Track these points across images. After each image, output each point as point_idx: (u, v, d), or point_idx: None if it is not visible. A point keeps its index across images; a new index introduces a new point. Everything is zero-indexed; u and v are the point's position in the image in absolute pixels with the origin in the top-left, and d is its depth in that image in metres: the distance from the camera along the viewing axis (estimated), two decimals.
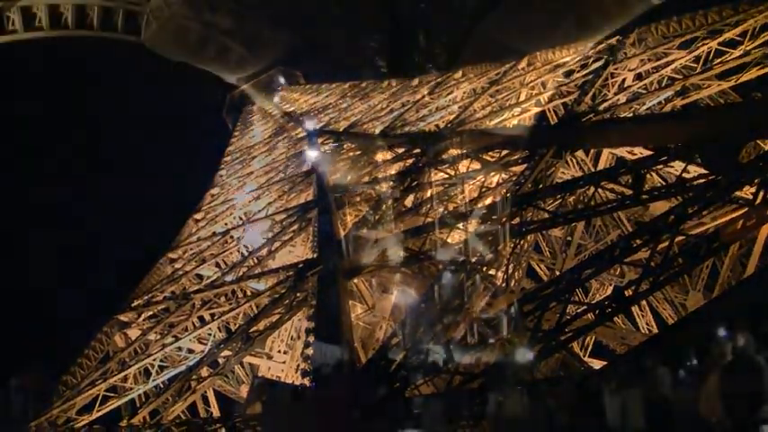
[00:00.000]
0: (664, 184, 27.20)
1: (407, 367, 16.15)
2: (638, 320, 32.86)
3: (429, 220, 24.00)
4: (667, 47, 30.00)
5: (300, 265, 25.84)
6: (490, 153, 26.17)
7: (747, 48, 26.34)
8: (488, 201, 24.23)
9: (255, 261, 31.17)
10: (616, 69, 30.03)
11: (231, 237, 37.23)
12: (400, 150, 31.19)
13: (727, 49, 27.34)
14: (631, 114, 25.40)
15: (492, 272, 19.80)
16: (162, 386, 26.40)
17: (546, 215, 21.50)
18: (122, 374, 26.46)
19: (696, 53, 27.99)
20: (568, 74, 32.96)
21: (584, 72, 31.66)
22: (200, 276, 34.97)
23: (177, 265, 37.11)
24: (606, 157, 33.10)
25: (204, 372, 24.78)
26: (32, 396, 16.51)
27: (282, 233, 31.20)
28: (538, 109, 33.02)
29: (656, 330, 31.14)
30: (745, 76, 26.04)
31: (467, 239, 20.89)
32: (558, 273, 31.67)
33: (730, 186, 16.28)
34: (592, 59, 32.11)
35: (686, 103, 27.69)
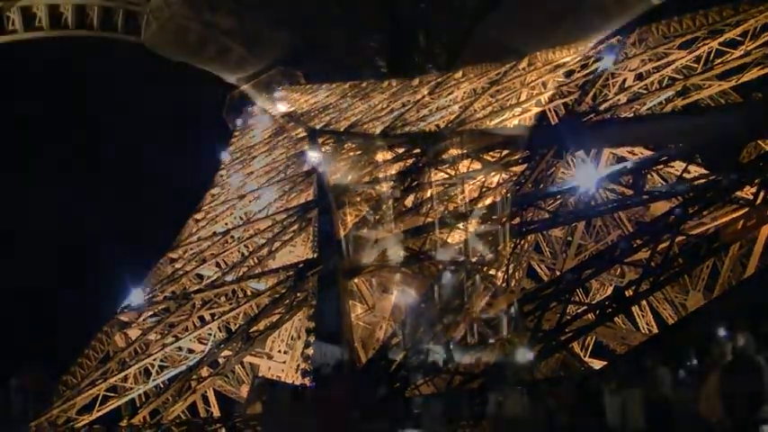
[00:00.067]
0: (664, 184, 27.23)
1: (407, 367, 16.15)
2: (638, 320, 32.86)
3: (429, 220, 23.98)
4: (668, 47, 30.00)
5: (300, 265, 25.84)
6: (490, 153, 26.16)
7: (748, 48, 26.33)
8: (488, 201, 24.21)
9: (256, 261, 31.17)
10: (617, 69, 30.03)
11: (231, 237, 37.23)
12: (400, 150, 31.17)
13: (728, 50, 27.33)
14: (632, 114, 25.39)
15: (492, 272, 19.80)
16: (162, 386, 26.41)
17: (546, 215, 21.50)
18: (122, 374, 26.47)
19: (697, 53, 27.98)
20: (569, 74, 32.97)
21: (585, 72, 31.67)
22: (200, 276, 34.97)
23: (177, 265, 37.11)
24: (607, 158, 33.07)
25: (204, 372, 24.79)
26: (32, 396, 16.52)
27: (283, 233, 31.19)
28: (538, 109, 33.02)
29: (656, 330, 31.13)
30: (746, 77, 26.04)
31: (467, 239, 20.89)
32: (558, 273, 31.64)
33: (730, 186, 16.27)
34: (592, 59, 32.12)
35: (687, 103, 27.69)
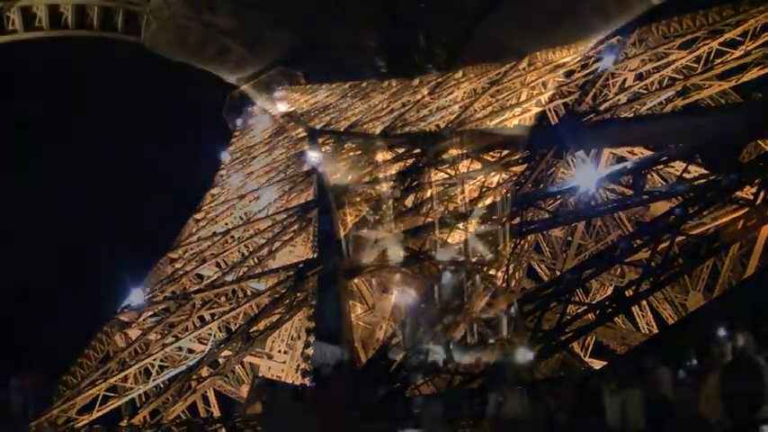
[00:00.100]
0: (664, 184, 27.23)
1: (407, 367, 16.15)
2: (638, 320, 32.84)
3: (429, 220, 23.98)
4: (668, 47, 30.00)
5: (301, 265, 25.85)
6: (491, 153, 26.15)
7: (748, 48, 26.33)
8: (488, 201, 24.20)
9: (256, 261, 31.17)
10: (617, 69, 30.04)
11: (231, 237, 37.22)
12: (400, 150, 31.16)
13: (728, 50, 27.33)
14: (632, 114, 25.39)
15: (492, 272, 19.80)
16: (162, 386, 26.41)
17: (546, 215, 21.50)
18: (122, 374, 26.47)
19: (697, 53, 27.98)
20: (569, 74, 32.96)
21: (585, 72, 31.66)
22: (200, 276, 34.96)
23: (177, 265, 37.10)
24: (607, 158, 33.08)
25: (204, 372, 24.79)
26: (32, 396, 16.51)
27: (283, 233, 31.18)
28: (538, 109, 33.01)
29: (656, 330, 31.12)
30: (746, 77, 26.04)
31: (467, 239, 20.89)
32: (558, 273, 31.64)
33: (731, 187, 16.27)
34: (592, 59, 32.11)
35: (687, 103, 27.69)
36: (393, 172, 29.28)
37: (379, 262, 22.59)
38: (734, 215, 16.99)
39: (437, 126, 34.88)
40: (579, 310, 17.41)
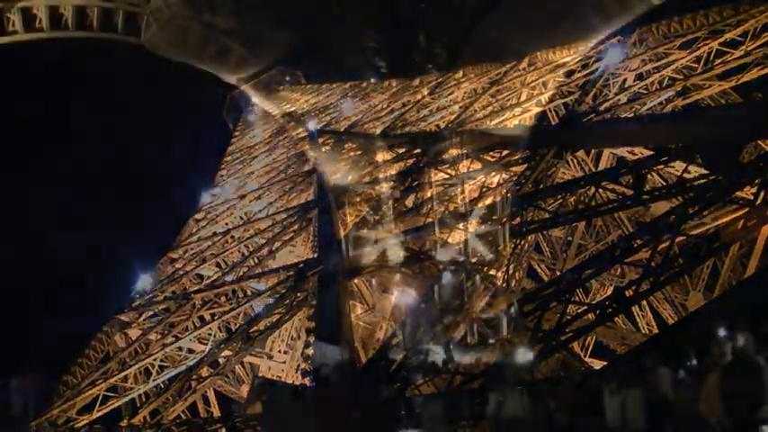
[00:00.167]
0: (664, 184, 27.22)
1: (407, 367, 16.15)
2: (638, 320, 32.81)
3: (429, 220, 23.98)
4: (668, 47, 30.00)
5: (301, 265, 25.85)
6: (491, 153, 26.15)
7: (748, 48, 26.32)
8: (489, 201, 24.20)
9: (256, 261, 31.17)
10: (617, 69, 30.03)
11: (232, 237, 37.22)
12: (401, 150, 31.17)
13: (728, 50, 27.32)
14: (632, 115, 25.38)
15: (492, 272, 19.80)
16: (162, 386, 26.41)
17: (546, 215, 21.50)
18: (123, 374, 26.46)
19: (697, 53, 27.97)
20: (569, 74, 32.95)
21: (585, 72, 31.66)
22: (200, 276, 34.96)
23: (178, 265, 37.10)
24: (607, 158, 33.10)
25: (204, 372, 24.79)
26: (32, 396, 16.52)
27: (283, 233, 31.19)
28: (539, 109, 32.98)
29: (656, 330, 31.10)
30: (746, 77, 26.03)
31: (467, 239, 20.88)
32: (558, 273, 31.65)
33: (731, 187, 16.27)
34: (592, 59, 32.11)
35: (687, 103, 27.69)
36: (393, 172, 29.29)
37: (380, 262, 22.59)
38: (734, 215, 16.99)
39: (437, 126, 34.88)
40: (579, 310, 17.41)
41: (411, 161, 29.59)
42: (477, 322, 16.31)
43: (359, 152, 34.60)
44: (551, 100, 33.59)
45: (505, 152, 25.58)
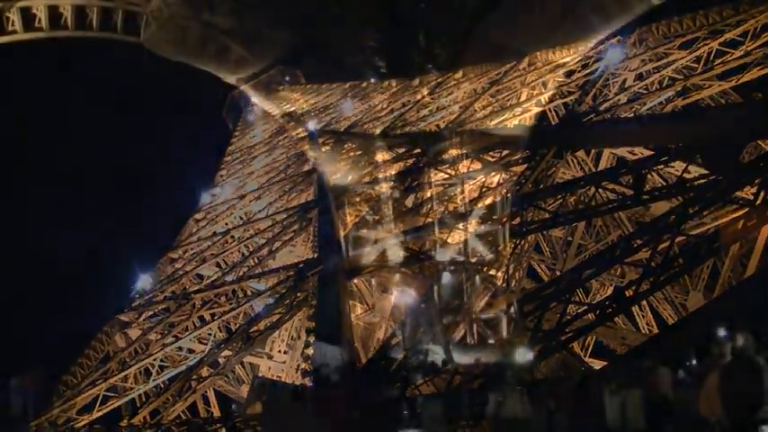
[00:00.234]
0: (664, 184, 27.22)
1: (407, 367, 16.17)
2: (638, 320, 32.80)
3: (429, 220, 23.98)
4: (668, 47, 30.01)
5: (301, 265, 25.85)
6: (491, 153, 26.15)
7: (748, 48, 26.33)
8: (489, 201, 24.20)
9: (256, 261, 31.16)
10: (617, 69, 30.04)
11: (232, 237, 37.20)
12: (400, 150, 31.16)
13: (728, 50, 27.33)
14: (632, 115, 25.39)
15: (492, 272, 19.81)
16: (162, 386, 26.40)
17: (547, 215, 21.52)
18: (123, 374, 26.44)
19: (697, 53, 27.99)
20: (569, 74, 32.95)
21: (585, 72, 31.66)
22: (200, 276, 34.93)
23: (178, 265, 37.07)
24: (607, 158, 33.08)
25: (204, 372, 24.79)
26: (32, 396, 16.52)
27: (283, 233, 31.18)
28: (539, 109, 32.98)
29: (656, 330, 31.10)
30: (746, 77, 26.04)
31: (466, 239, 20.89)
32: (558, 273, 31.62)
33: (731, 187, 16.30)
34: (592, 59, 32.12)
35: (687, 103, 27.69)
36: (393, 172, 29.27)
37: (379, 262, 22.59)
38: (734, 215, 17.00)
39: (437, 126, 34.87)
40: (579, 310, 17.44)
41: (411, 161, 29.59)
42: (477, 322, 16.33)
43: (359, 152, 34.58)
44: (551, 100, 33.58)
45: (505, 152, 25.58)
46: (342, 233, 25.24)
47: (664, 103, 27.54)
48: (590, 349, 32.49)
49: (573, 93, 31.22)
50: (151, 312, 31.80)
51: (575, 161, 34.33)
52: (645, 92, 27.29)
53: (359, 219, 26.09)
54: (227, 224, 40.45)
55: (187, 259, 37.29)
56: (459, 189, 24.87)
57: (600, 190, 21.66)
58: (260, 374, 33.14)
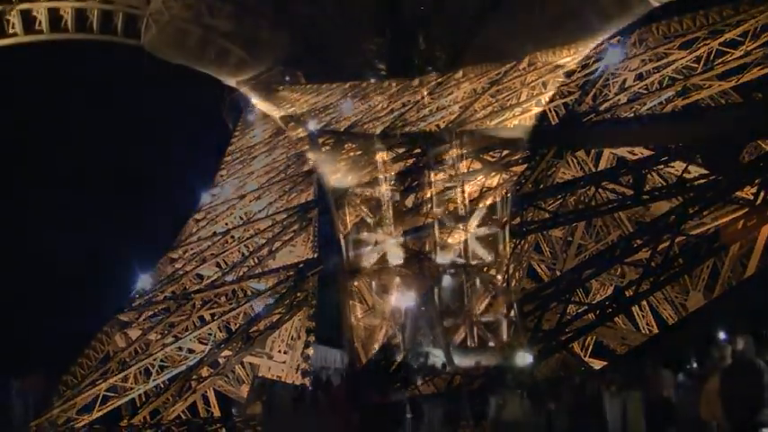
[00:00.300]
0: (664, 184, 27.23)
1: (408, 368, 16.17)
2: (638, 320, 32.80)
3: (429, 220, 23.97)
4: (668, 47, 29.99)
5: (301, 265, 25.87)
6: (491, 153, 26.13)
7: (748, 48, 26.32)
8: (489, 201, 24.17)
9: (256, 261, 31.15)
10: (617, 69, 30.03)
11: (232, 237, 37.19)
12: (400, 150, 31.13)
13: (728, 50, 27.32)
14: (632, 115, 25.39)
15: (492, 272, 19.81)
16: (162, 386, 26.41)
17: (547, 215, 21.54)
18: (123, 374, 26.44)
19: (697, 53, 27.97)
20: (569, 74, 32.93)
21: (585, 72, 31.64)
22: (200, 276, 34.92)
23: (178, 265, 37.04)
24: (607, 158, 33.07)
25: (204, 372, 24.81)
26: (33, 397, 16.53)
27: (283, 233, 31.17)
28: (539, 109, 32.94)
29: (656, 330, 31.09)
30: (746, 77, 26.04)
31: (466, 240, 20.89)
32: (558, 273, 31.63)
33: (731, 187, 16.30)
34: (592, 60, 32.09)
35: (687, 103, 27.69)
36: (393, 172, 29.24)
37: (379, 263, 22.59)
38: (734, 215, 17.00)
39: (437, 126, 34.82)
40: (579, 310, 17.46)
41: (411, 161, 29.55)
42: (478, 325, 16.33)
43: (359, 152, 34.53)
44: (551, 100, 33.55)
45: (505, 152, 25.57)
46: (342, 233, 25.23)
47: (664, 103, 27.53)
48: (590, 349, 32.49)
49: (573, 93, 31.21)
50: (151, 312, 31.79)
51: (575, 161, 34.32)
52: (645, 92, 27.29)
53: (359, 219, 26.07)
54: (227, 224, 40.42)
55: (187, 259, 37.26)
56: (459, 189, 24.84)
57: (600, 190, 21.69)
58: (260, 374, 33.14)
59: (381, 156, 29.64)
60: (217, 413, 32.39)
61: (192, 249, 38.34)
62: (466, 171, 25.98)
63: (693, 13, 32.35)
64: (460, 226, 22.26)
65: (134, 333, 30.59)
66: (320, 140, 39.72)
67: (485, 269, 19.33)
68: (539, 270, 36.17)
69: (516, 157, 24.79)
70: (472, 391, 14.76)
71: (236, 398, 35.18)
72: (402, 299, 21.72)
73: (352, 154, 34.96)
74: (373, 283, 28.96)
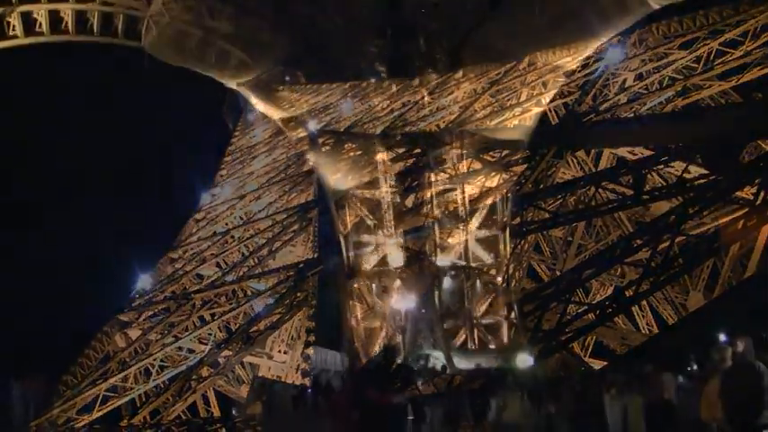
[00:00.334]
0: (664, 184, 27.23)
1: (408, 370, 16.15)
2: (638, 320, 32.77)
3: (429, 220, 23.96)
4: (668, 47, 29.97)
5: (301, 265, 25.87)
6: (491, 153, 26.11)
7: (748, 48, 26.31)
8: (489, 201, 24.15)
9: (256, 261, 31.14)
10: (617, 69, 30.01)
11: (232, 237, 37.18)
12: (400, 151, 31.11)
13: (728, 50, 27.32)
14: (632, 115, 25.38)
15: (492, 272, 19.80)
16: (162, 386, 26.42)
17: (547, 215, 21.54)
18: (123, 374, 26.45)
19: (697, 53, 27.96)
20: (569, 74, 32.89)
21: (585, 72, 31.61)
22: (200, 276, 34.92)
23: (178, 265, 37.03)
24: (607, 158, 33.06)
25: (204, 372, 24.82)
26: (33, 398, 16.53)
27: (283, 233, 31.16)
28: (539, 109, 32.91)
29: (656, 330, 31.08)
30: (746, 77, 26.05)
31: (466, 240, 20.88)
32: (558, 273, 31.59)
33: (731, 187, 16.31)
34: (592, 60, 32.07)
35: (687, 103, 27.68)
36: (393, 173, 29.22)
37: (380, 265, 22.58)
38: (734, 215, 17.01)
39: (437, 126, 34.78)
40: (579, 311, 17.46)
41: (411, 162, 29.53)
42: (478, 328, 16.31)
43: (359, 152, 34.51)
44: (551, 100, 33.51)
45: (505, 152, 25.55)
46: (342, 234, 25.22)
47: (664, 103, 27.53)
48: (590, 349, 32.46)
49: (573, 93, 31.18)
50: (151, 312, 31.79)
51: (575, 161, 34.28)
52: (645, 92, 27.28)
53: (359, 219, 26.05)
54: (227, 224, 40.42)
55: (187, 259, 37.25)
56: (459, 189, 24.83)
57: (600, 190, 21.70)
58: (260, 374, 33.12)
59: (381, 156, 29.62)
60: (217, 413, 32.37)
61: (191, 249, 38.33)
62: (466, 171, 25.96)
63: (693, 13, 32.32)
64: (460, 226, 22.24)
65: (134, 333, 30.59)
66: (320, 141, 39.67)
67: (485, 269, 19.31)
68: (539, 270, 36.14)
69: (516, 157, 24.77)
70: (473, 390, 14.77)
71: (236, 398, 35.17)
72: (402, 301, 21.72)
73: (352, 154, 34.92)
74: (373, 285, 28.95)
